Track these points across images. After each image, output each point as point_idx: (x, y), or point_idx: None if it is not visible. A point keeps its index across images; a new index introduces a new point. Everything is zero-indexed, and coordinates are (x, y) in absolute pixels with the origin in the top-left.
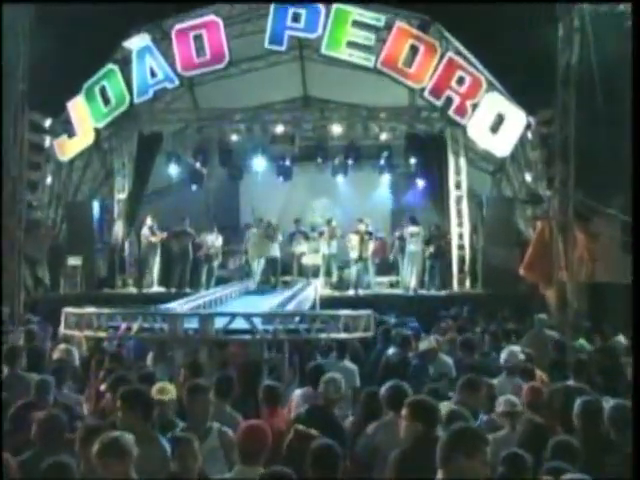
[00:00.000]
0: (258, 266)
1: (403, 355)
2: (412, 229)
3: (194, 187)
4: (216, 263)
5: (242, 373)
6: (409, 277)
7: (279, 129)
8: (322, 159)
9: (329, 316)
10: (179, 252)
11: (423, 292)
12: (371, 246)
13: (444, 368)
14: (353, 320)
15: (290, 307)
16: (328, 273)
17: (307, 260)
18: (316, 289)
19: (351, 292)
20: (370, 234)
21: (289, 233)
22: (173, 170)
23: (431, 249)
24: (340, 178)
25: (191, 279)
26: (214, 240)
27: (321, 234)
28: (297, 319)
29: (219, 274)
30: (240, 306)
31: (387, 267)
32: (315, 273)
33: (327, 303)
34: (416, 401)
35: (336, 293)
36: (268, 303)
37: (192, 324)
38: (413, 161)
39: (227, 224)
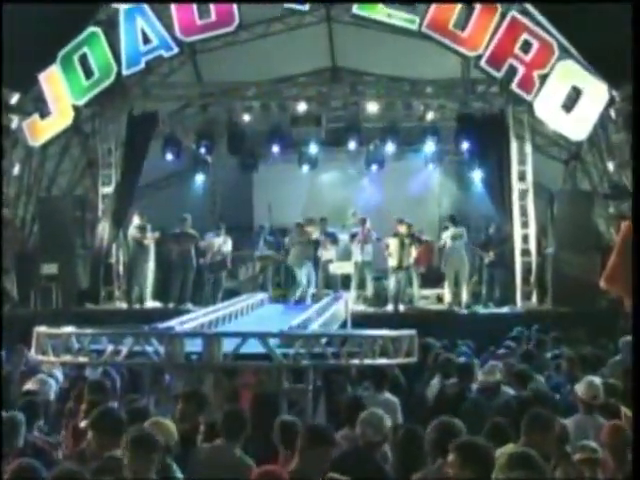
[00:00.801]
0: (304, 274)
1: (461, 387)
2: (452, 231)
3: (197, 179)
4: (224, 272)
5: (255, 408)
6: (453, 289)
7: (301, 107)
8: (355, 144)
9: (363, 337)
10: (179, 259)
11: (479, 309)
12: (414, 252)
13: (507, 403)
14: (392, 342)
15: (315, 326)
16: (361, 285)
17: (336, 269)
18: (347, 304)
19: (389, 308)
20: (412, 237)
21: None
22: (171, 158)
23: (489, 256)
24: (376, 168)
25: (193, 292)
26: (222, 244)
27: (353, 237)
28: (323, 341)
29: (228, 286)
30: (253, 325)
31: (434, 277)
32: (345, 284)
33: (360, 321)
34: (466, 444)
35: (371, 309)
36: (287, 321)
37: (195, 347)
38: (466, 147)
39: (237, 224)
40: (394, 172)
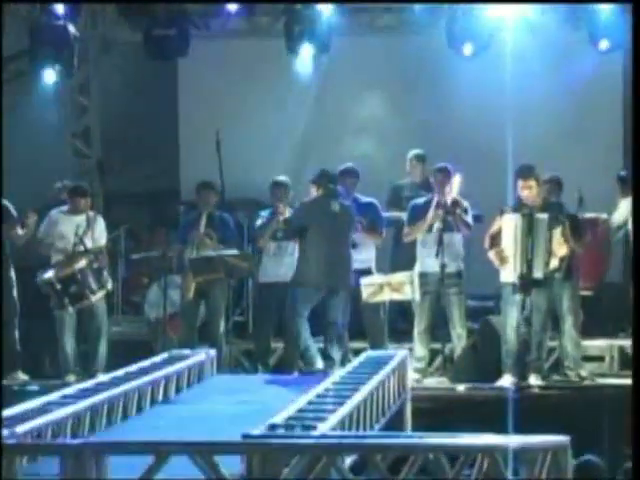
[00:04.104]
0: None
1: None
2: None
3: (45, 79)
4: (98, 295)
5: None
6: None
7: None
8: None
9: (441, 449)
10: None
11: None
12: (563, 245)
13: None
14: (520, 460)
15: (326, 425)
16: (438, 328)
17: (373, 293)
18: (400, 376)
19: (507, 383)
20: (559, 210)
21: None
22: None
23: None
24: (471, 49)
25: (27, 347)
26: (84, 236)
27: (417, 212)
28: (348, 461)
29: (117, 332)
30: (180, 427)
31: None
32: (398, 328)
33: (435, 413)
34: None
35: (461, 387)
36: (264, 414)
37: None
38: None
39: (138, 187)
40: (520, 54)
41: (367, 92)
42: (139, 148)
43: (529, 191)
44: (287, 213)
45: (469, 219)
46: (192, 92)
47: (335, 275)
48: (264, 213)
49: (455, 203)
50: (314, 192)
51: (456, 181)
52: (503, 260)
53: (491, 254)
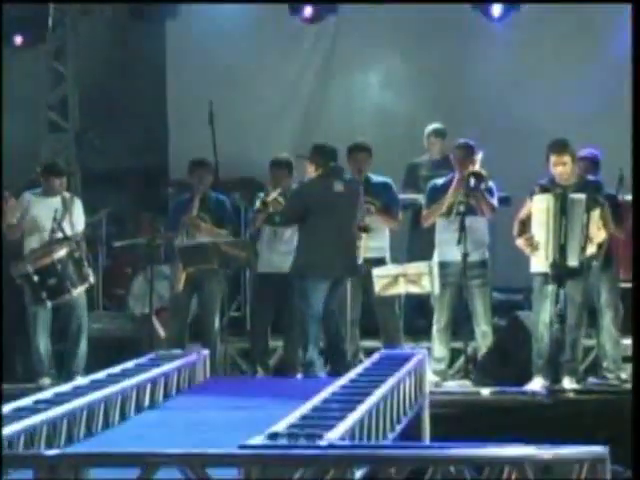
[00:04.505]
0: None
1: None
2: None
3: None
4: (80, 288)
5: None
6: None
7: None
8: None
9: (479, 460)
10: None
11: None
12: (601, 230)
13: None
14: (550, 470)
15: (329, 437)
16: (462, 324)
17: (386, 286)
18: (419, 377)
19: (538, 386)
20: (596, 189)
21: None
22: None
23: None
24: (500, 12)
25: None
26: (62, 221)
27: (436, 193)
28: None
29: (97, 329)
30: (166, 436)
31: None
32: (413, 323)
33: (460, 421)
34: None
35: (486, 391)
36: (255, 425)
37: None
38: None
39: (119, 168)
40: (547, 30)
41: (380, 59)
42: (122, 121)
43: (563, 168)
44: (276, 195)
45: (494, 201)
46: (182, 58)
47: (341, 262)
48: (264, 195)
49: (478, 180)
50: (312, 172)
51: (479, 159)
52: (534, 247)
53: (520, 241)
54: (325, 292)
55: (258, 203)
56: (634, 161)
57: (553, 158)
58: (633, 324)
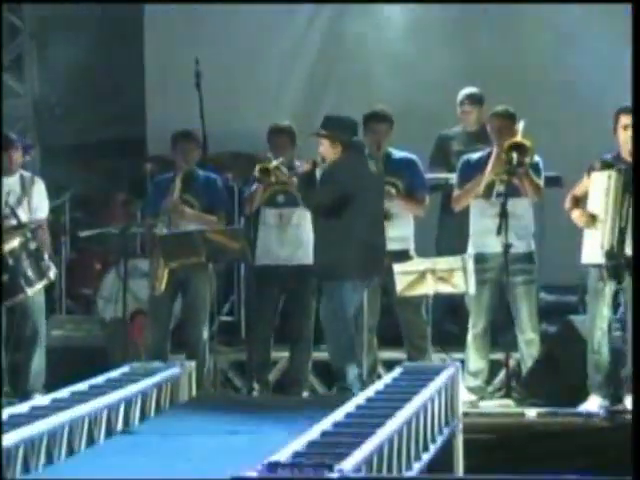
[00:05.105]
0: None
1: None
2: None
3: None
4: (37, 287)
5: None
6: None
7: None
8: None
9: None
10: None
11: None
12: None
13: None
14: None
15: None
16: (500, 330)
17: (410, 285)
18: (451, 393)
19: (594, 407)
20: None
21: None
22: None
23: None
24: None
25: None
26: (39, 203)
27: (468, 171)
28: None
29: (62, 334)
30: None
31: None
32: (445, 330)
33: (501, 450)
34: None
35: (532, 412)
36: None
37: None
38: None
39: (94, 136)
40: None
41: (402, 6)
42: (90, 84)
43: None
44: (278, 163)
45: (540, 181)
46: (162, 9)
47: (372, 259)
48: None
49: (521, 153)
50: (328, 150)
51: (521, 129)
52: (590, 220)
53: (575, 213)
54: (362, 295)
55: (256, 171)
56: (634, 161)
57: (622, 119)
58: (633, 324)
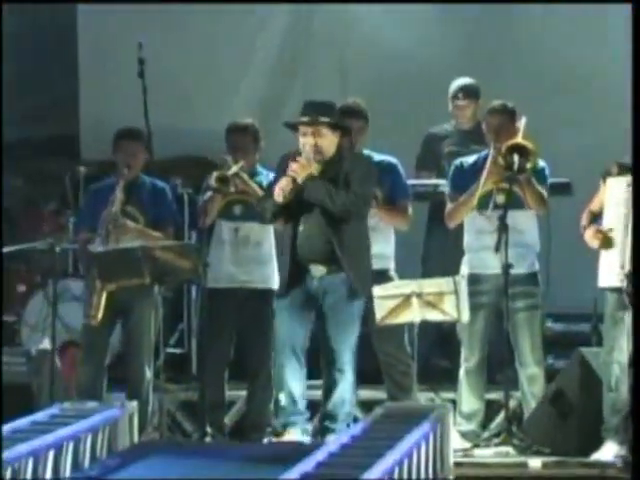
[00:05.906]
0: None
1: None
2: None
3: None
4: None
5: None
6: None
7: None
8: None
9: None
10: None
11: None
12: None
13: None
14: None
15: None
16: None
17: (390, 310)
18: (442, 448)
19: (608, 456)
20: None
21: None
22: None
23: None
24: None
25: None
26: None
27: (463, 174)
28: None
29: None
30: None
31: None
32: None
33: None
34: None
35: (536, 462)
36: None
37: None
38: None
39: (16, 135)
40: None
41: None
42: (12, 74)
43: None
44: (238, 169)
45: (544, 191)
46: None
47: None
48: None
49: (522, 157)
50: (329, 142)
51: (522, 127)
52: (606, 240)
53: (589, 233)
54: None
55: (212, 180)
56: (634, 161)
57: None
58: (633, 324)
